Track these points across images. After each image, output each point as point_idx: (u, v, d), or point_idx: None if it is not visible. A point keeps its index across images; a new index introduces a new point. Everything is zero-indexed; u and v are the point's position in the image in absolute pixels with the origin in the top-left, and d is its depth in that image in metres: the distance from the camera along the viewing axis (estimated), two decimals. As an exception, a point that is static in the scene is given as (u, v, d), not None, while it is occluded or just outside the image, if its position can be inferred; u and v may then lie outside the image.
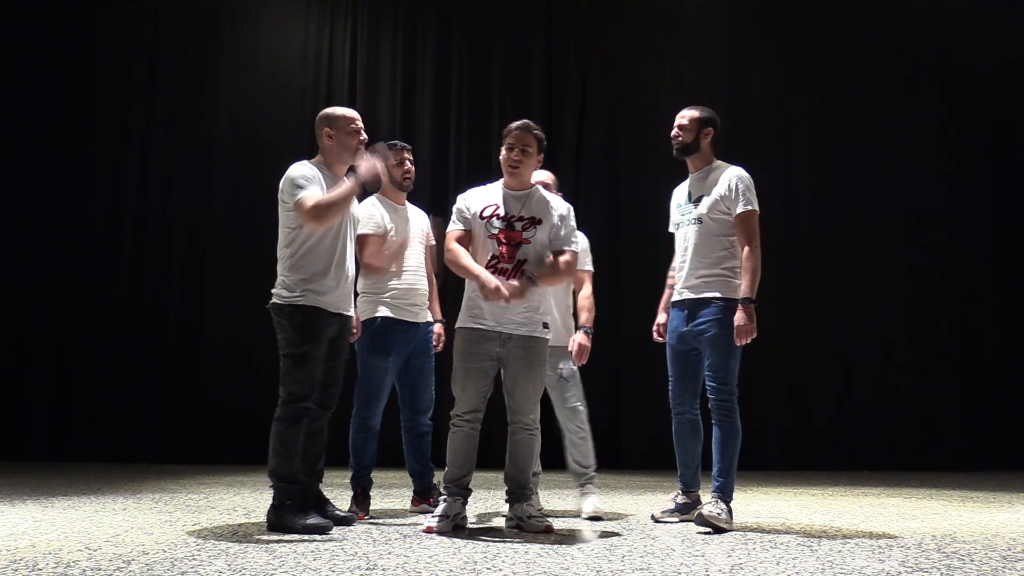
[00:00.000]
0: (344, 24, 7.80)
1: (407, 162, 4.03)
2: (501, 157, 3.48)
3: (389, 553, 2.79)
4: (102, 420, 7.11)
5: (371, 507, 3.88)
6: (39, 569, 2.44)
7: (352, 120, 3.50)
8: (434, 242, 4.23)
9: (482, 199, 3.49)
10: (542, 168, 3.75)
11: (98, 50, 7.63)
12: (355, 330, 3.75)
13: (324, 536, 3.14)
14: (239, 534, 3.19)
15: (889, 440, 7.35)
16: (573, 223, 3.52)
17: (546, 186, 3.90)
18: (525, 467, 3.43)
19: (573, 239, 3.50)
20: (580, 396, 3.97)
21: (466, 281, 3.45)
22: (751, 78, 7.87)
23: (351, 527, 3.43)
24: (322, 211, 3.26)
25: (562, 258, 3.44)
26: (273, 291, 3.42)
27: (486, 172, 7.24)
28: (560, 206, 3.51)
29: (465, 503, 3.40)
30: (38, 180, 7.45)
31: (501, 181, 3.54)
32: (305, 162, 3.45)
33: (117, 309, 7.34)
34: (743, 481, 5.63)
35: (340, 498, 3.90)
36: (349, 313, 3.52)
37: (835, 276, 7.65)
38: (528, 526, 3.35)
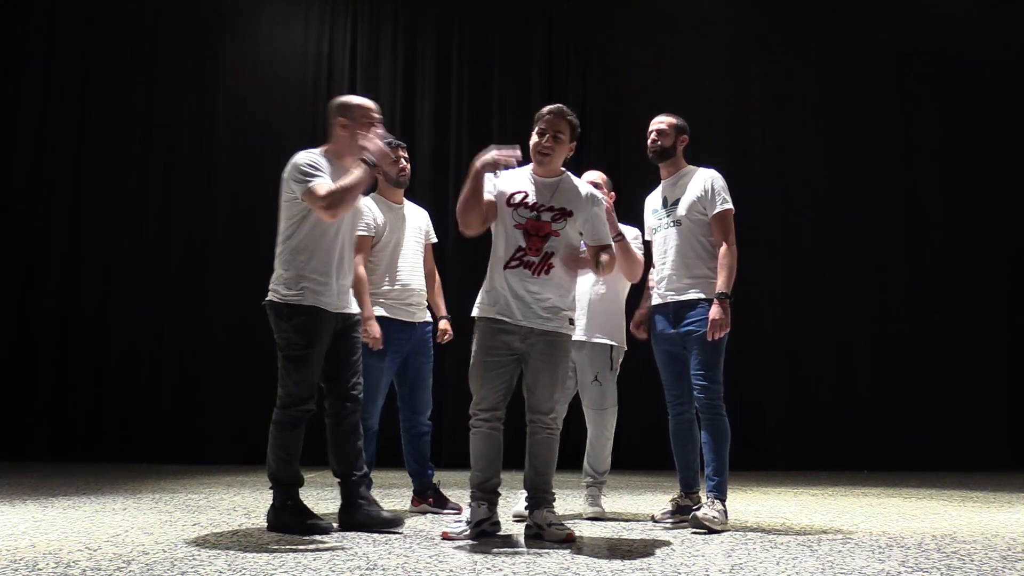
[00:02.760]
0: (344, 24, 7.80)
1: (402, 160, 3.97)
2: (531, 142, 3.28)
3: (389, 553, 2.79)
4: (102, 420, 7.11)
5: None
6: (39, 569, 2.44)
7: (369, 111, 3.34)
8: (434, 239, 4.22)
9: (511, 181, 3.27)
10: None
11: (98, 49, 7.62)
12: (365, 328, 3.65)
13: (324, 536, 3.11)
14: (239, 534, 3.19)
15: (889, 440, 7.35)
16: (604, 214, 3.35)
17: (597, 187, 3.75)
18: (546, 470, 3.22)
19: (608, 233, 3.36)
20: (614, 400, 3.94)
21: (489, 269, 3.27)
22: (751, 78, 7.86)
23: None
24: (337, 199, 3.11)
25: (604, 256, 3.28)
26: (270, 287, 3.30)
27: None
28: (593, 195, 3.34)
29: (492, 508, 3.23)
30: (39, 179, 7.45)
31: (530, 166, 3.31)
32: (312, 150, 3.31)
33: (117, 309, 7.34)
34: (743, 481, 5.63)
35: (337, 499, 3.89)
36: (351, 311, 3.40)
37: (835, 276, 7.65)
38: (548, 535, 3.11)
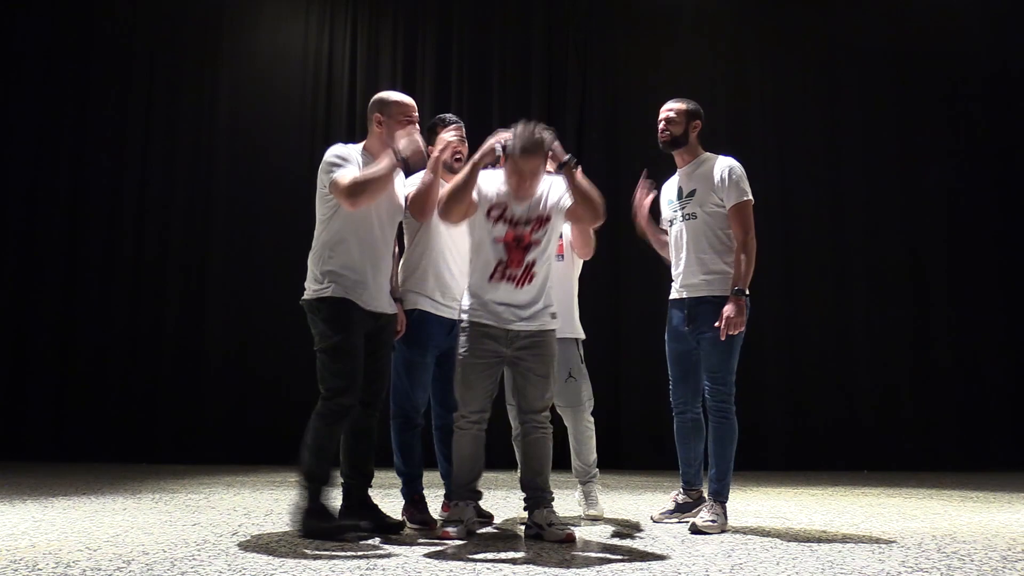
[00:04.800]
0: (344, 24, 7.80)
1: (457, 139, 3.65)
2: (508, 176, 3.28)
3: (389, 553, 2.80)
4: (102, 420, 7.11)
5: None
6: (39, 569, 2.44)
7: (406, 108, 3.30)
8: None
9: (492, 190, 3.27)
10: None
11: (97, 50, 7.61)
12: (399, 327, 3.47)
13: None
14: (239, 534, 3.19)
15: (889, 440, 7.35)
16: (566, 184, 3.29)
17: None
18: (542, 469, 3.24)
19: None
20: (589, 393, 3.91)
21: (470, 273, 3.30)
22: (751, 78, 7.86)
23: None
24: (358, 188, 3.06)
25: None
26: (305, 285, 3.26)
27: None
28: (556, 184, 3.31)
29: (478, 507, 3.30)
30: (38, 180, 7.44)
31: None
32: (348, 144, 3.29)
33: (117, 309, 7.33)
34: (743, 481, 5.63)
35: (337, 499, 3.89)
36: (387, 311, 3.30)
37: (835, 276, 7.65)
38: (549, 535, 3.10)
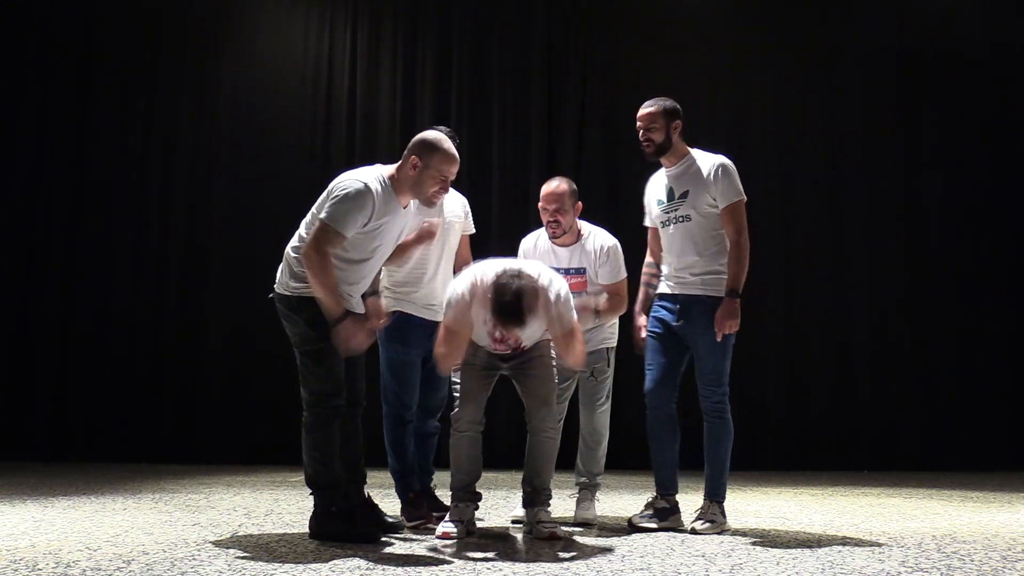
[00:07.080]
0: (344, 24, 7.80)
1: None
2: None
3: (389, 553, 2.80)
4: (102, 420, 7.11)
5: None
6: (39, 569, 2.45)
7: (447, 168, 3.12)
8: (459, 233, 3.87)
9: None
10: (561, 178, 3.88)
11: (98, 49, 7.62)
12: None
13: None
14: (239, 534, 3.19)
15: (889, 440, 7.35)
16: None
17: (561, 197, 3.69)
18: (541, 470, 3.27)
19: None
20: (608, 398, 3.84)
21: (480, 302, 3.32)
22: (751, 78, 7.86)
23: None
24: (314, 264, 2.94)
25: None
26: (278, 279, 3.17)
27: (486, 172, 7.28)
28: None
29: (477, 508, 3.33)
30: (38, 179, 7.44)
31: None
32: (380, 176, 3.09)
33: (117, 309, 7.33)
34: (743, 481, 5.63)
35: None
36: (359, 311, 3.27)
37: (835, 275, 7.64)
38: (536, 532, 3.18)
